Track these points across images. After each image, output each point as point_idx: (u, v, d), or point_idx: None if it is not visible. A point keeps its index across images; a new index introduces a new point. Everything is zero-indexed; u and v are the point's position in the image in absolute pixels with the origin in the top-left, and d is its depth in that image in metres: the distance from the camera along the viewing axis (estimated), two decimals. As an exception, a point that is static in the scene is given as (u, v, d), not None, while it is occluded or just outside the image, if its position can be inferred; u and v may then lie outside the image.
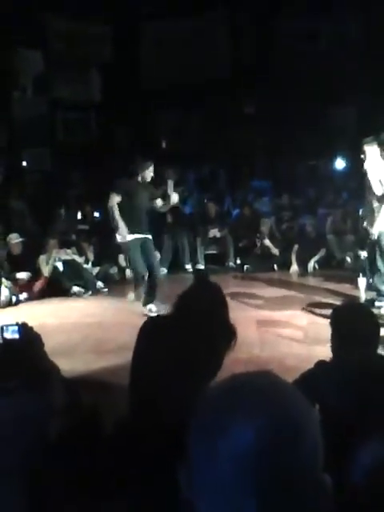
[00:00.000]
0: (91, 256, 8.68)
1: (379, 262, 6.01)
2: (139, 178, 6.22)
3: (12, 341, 1.85)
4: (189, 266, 9.50)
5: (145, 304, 6.19)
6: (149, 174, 6.22)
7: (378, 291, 6.10)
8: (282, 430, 0.73)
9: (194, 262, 9.52)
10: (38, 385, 1.73)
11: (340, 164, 12.77)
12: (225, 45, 13.67)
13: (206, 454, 0.75)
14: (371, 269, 6.21)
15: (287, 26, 13.02)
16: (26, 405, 1.65)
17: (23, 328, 1.89)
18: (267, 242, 9.30)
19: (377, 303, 5.92)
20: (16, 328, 1.88)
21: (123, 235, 6.06)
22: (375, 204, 5.88)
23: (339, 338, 2.33)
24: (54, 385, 1.81)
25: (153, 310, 6.02)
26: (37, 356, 1.85)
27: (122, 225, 6.02)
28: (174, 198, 6.36)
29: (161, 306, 5.80)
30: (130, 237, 6.06)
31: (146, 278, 6.10)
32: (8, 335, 1.86)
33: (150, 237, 6.27)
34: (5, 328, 1.88)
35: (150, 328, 2.55)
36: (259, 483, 0.71)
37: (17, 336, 1.86)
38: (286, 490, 0.72)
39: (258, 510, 0.72)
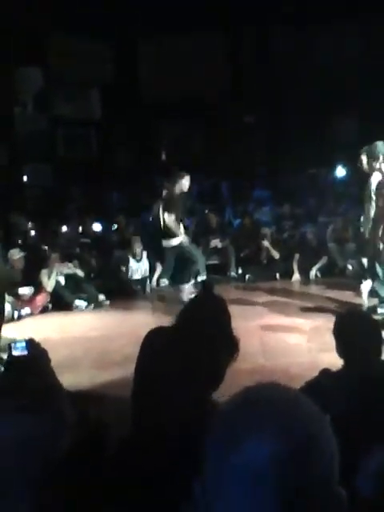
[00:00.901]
0: (93, 269, 8.69)
1: (378, 268, 6.01)
2: (176, 190, 7.07)
3: (20, 357, 1.82)
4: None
5: None
6: (185, 184, 7.12)
7: (380, 297, 6.09)
8: (296, 443, 0.73)
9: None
10: (46, 402, 1.71)
11: (340, 172, 12.80)
12: (224, 59, 13.77)
13: (221, 469, 0.74)
14: (371, 275, 6.20)
15: (286, 39, 13.15)
16: (32, 427, 1.62)
17: (31, 344, 1.86)
18: (266, 243, 9.31)
19: (379, 310, 5.91)
20: (24, 344, 1.84)
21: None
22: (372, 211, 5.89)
23: (343, 346, 2.33)
24: (63, 401, 1.79)
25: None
26: (44, 372, 1.83)
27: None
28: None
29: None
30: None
31: None
32: (17, 352, 1.83)
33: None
34: (13, 345, 1.84)
35: (153, 338, 2.54)
36: (275, 497, 0.71)
37: (25, 352, 1.83)
38: (302, 503, 0.72)
39: None
